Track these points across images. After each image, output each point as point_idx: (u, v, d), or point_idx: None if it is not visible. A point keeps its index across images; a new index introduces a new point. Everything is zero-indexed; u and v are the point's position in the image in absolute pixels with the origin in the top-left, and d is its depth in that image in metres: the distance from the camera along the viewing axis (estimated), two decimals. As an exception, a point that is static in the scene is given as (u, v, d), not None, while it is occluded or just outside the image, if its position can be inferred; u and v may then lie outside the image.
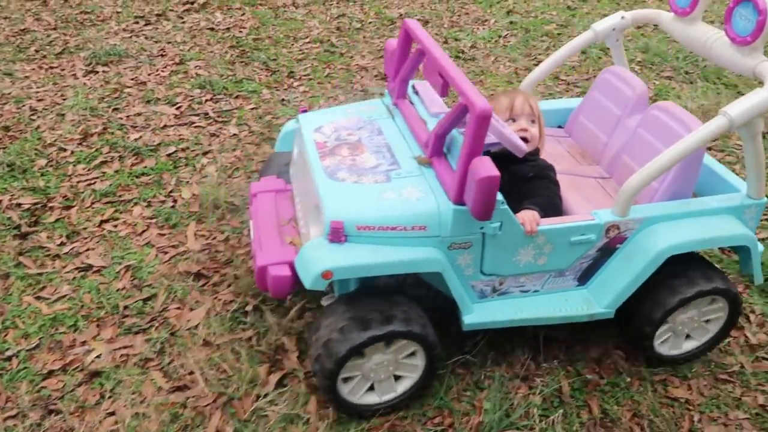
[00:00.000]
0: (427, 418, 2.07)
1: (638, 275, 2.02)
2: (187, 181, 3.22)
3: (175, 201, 3.08)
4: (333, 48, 4.85)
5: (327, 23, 5.29)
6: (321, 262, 1.79)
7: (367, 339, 1.82)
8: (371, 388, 2.01)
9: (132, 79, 4.32)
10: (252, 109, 3.95)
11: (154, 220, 2.95)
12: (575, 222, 2.00)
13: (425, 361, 1.99)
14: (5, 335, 2.36)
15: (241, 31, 5.14)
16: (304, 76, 4.41)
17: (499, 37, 5.11)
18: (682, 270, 2.08)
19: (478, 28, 5.28)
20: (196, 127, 3.75)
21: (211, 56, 4.69)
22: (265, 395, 2.11)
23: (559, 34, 5.22)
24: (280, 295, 2.04)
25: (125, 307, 2.47)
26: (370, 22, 5.33)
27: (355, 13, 5.51)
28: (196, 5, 5.67)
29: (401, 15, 5.44)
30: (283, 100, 4.04)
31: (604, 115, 2.48)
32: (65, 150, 3.50)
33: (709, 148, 3.46)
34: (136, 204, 3.07)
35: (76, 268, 2.67)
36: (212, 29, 5.18)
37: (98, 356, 2.27)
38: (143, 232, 2.89)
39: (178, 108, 3.95)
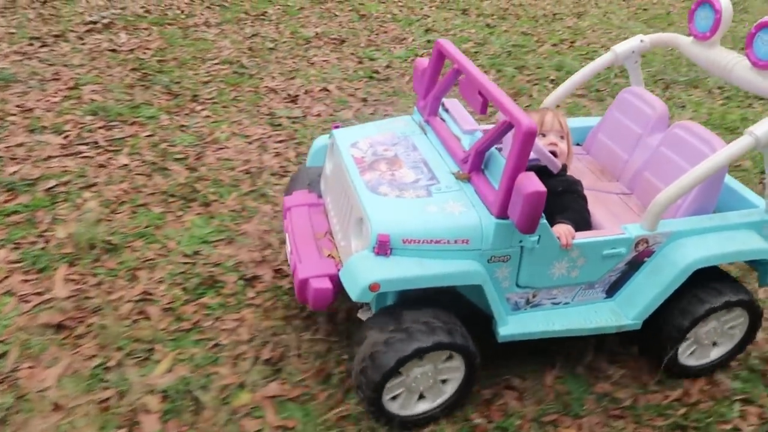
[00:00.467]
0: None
1: (666, 287, 2.10)
2: (64, 219, 2.93)
3: (47, 242, 2.78)
4: (242, 69, 4.65)
5: (239, 43, 5.08)
6: (368, 274, 1.84)
7: (413, 351, 1.87)
8: (422, 397, 2.06)
9: (17, 106, 3.90)
10: (147, 136, 3.69)
11: (19, 265, 2.64)
12: (607, 236, 2.07)
13: (464, 364, 2.03)
14: None
15: (145, 53, 4.82)
16: (209, 99, 4.17)
17: (416, 55, 5.03)
18: (707, 282, 2.17)
19: (395, 47, 5.21)
20: (83, 157, 3.43)
21: (110, 80, 4.34)
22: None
23: (476, 52, 5.21)
24: (319, 307, 2.08)
25: (-31, 370, 2.16)
26: (284, 42, 5.17)
27: (269, 33, 5.30)
28: (99, 26, 5.28)
29: (317, 34, 5.31)
30: (182, 126, 3.81)
31: (624, 134, 2.57)
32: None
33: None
34: (1, 247, 2.73)
35: None
36: (114, 51, 4.83)
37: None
38: (4, 279, 2.57)
39: (65, 137, 3.61)
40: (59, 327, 2.37)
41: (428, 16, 5.94)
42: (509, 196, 1.83)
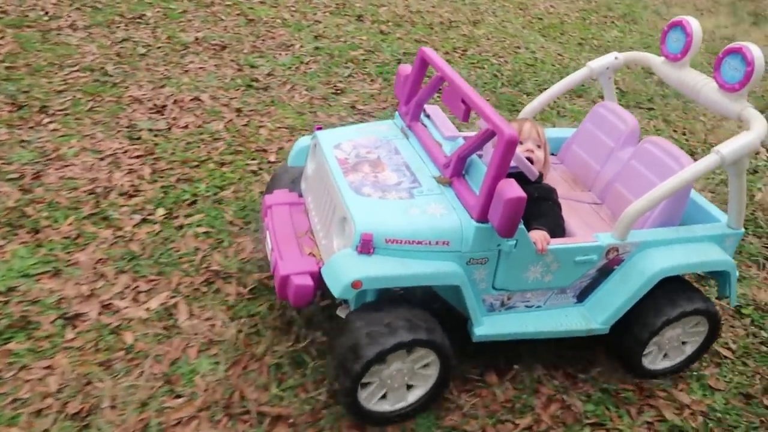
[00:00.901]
0: None
1: (633, 294, 2.20)
2: None
3: None
4: (105, 77, 4.16)
5: (106, 48, 4.56)
6: (351, 271, 1.88)
7: (393, 345, 1.91)
8: (383, 397, 2.09)
9: None
10: (-24, 153, 3.21)
11: None
12: (580, 243, 2.16)
13: (439, 372, 2.08)
14: None
15: (-7, 58, 4.21)
16: (60, 110, 3.70)
17: (301, 63, 4.81)
18: (668, 291, 2.28)
19: (280, 54, 4.90)
20: None
21: (-58, 89, 3.74)
22: None
23: (365, 59, 5.01)
24: (300, 304, 2.11)
25: None
26: (158, 47, 4.73)
27: (143, 38, 4.84)
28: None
29: (197, 39, 4.93)
30: (23, 141, 3.37)
31: (597, 146, 2.67)
32: None
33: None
34: None
35: None
36: (-48, 56, 4.18)
37: None
38: None
39: None
40: None
41: (320, 22, 5.59)
42: (490, 201, 1.90)
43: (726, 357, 2.63)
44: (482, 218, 1.94)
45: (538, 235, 2.08)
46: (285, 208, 2.40)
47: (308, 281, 2.05)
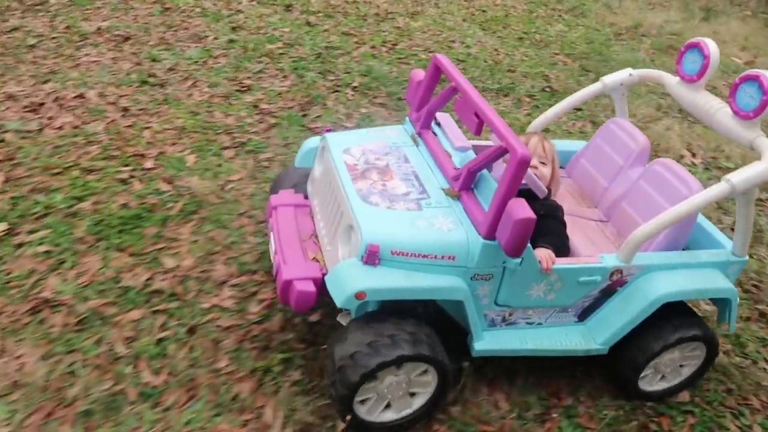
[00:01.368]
0: None
1: (635, 317, 2.20)
2: None
3: None
4: None
5: None
6: (355, 282, 1.87)
7: (376, 365, 1.90)
8: (388, 406, 2.09)
9: None
10: None
11: None
12: (585, 264, 2.16)
13: (437, 379, 2.08)
14: None
15: None
16: None
17: (210, 56, 4.47)
18: (668, 316, 2.28)
19: (189, 47, 4.53)
20: None
21: None
22: None
23: (282, 54, 4.66)
24: (301, 310, 2.10)
25: None
26: (53, 38, 4.34)
27: (37, 27, 4.43)
28: None
29: (99, 29, 4.56)
30: None
31: (606, 163, 2.66)
32: None
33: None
34: None
35: None
36: None
37: None
38: None
39: None
40: None
41: (242, 12, 5.21)
42: (498, 219, 1.89)
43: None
44: (490, 236, 1.93)
45: (544, 254, 2.07)
46: (290, 209, 2.38)
47: (311, 287, 2.04)
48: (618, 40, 6.34)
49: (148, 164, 3.26)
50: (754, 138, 2.16)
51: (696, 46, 2.38)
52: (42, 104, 3.61)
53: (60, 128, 3.44)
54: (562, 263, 2.11)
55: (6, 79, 3.81)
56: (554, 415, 2.32)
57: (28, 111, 3.55)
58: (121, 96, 3.84)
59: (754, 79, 2.13)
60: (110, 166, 3.20)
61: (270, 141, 3.64)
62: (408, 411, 2.12)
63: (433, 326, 2.09)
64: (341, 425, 2.10)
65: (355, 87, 4.39)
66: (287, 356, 2.35)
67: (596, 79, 5.20)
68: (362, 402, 2.03)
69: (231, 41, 4.75)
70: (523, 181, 2.12)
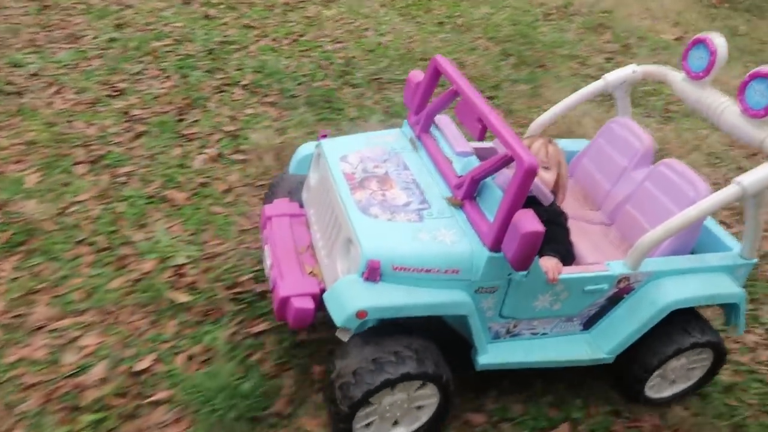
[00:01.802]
0: None
1: (643, 325, 2.13)
2: None
3: None
4: None
5: None
6: (356, 301, 1.79)
7: (381, 383, 1.83)
8: (396, 423, 2.03)
9: None
10: None
11: None
12: (591, 272, 2.09)
13: (439, 393, 2.00)
14: None
15: None
16: None
17: (84, 58, 4.08)
18: (678, 322, 2.22)
19: (61, 48, 4.12)
20: None
21: None
22: None
23: (168, 52, 4.27)
24: (299, 327, 2.03)
25: None
26: None
27: None
28: None
29: None
30: None
31: (608, 163, 2.58)
32: None
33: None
34: None
35: None
36: None
37: None
38: None
39: None
40: None
41: (131, 7, 4.80)
42: (504, 230, 1.81)
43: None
44: (495, 248, 1.85)
45: (550, 264, 2.00)
46: (285, 219, 2.30)
47: (309, 304, 1.97)
48: (547, 20, 5.87)
49: None
50: (765, 137, 2.09)
51: (702, 42, 2.30)
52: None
53: None
54: (568, 272, 2.04)
55: None
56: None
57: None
58: (-40, 108, 3.41)
59: (765, 77, 2.05)
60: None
61: (133, 152, 3.30)
62: (418, 424, 2.05)
63: (435, 339, 2.02)
64: None
65: (245, 85, 4.06)
66: (98, 417, 2.05)
67: (517, 64, 4.97)
68: (367, 426, 1.96)
69: (112, 40, 4.33)
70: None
